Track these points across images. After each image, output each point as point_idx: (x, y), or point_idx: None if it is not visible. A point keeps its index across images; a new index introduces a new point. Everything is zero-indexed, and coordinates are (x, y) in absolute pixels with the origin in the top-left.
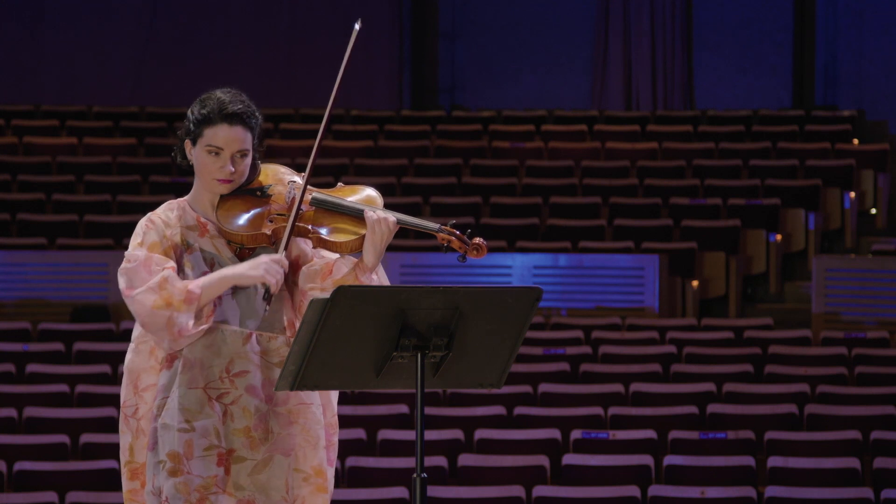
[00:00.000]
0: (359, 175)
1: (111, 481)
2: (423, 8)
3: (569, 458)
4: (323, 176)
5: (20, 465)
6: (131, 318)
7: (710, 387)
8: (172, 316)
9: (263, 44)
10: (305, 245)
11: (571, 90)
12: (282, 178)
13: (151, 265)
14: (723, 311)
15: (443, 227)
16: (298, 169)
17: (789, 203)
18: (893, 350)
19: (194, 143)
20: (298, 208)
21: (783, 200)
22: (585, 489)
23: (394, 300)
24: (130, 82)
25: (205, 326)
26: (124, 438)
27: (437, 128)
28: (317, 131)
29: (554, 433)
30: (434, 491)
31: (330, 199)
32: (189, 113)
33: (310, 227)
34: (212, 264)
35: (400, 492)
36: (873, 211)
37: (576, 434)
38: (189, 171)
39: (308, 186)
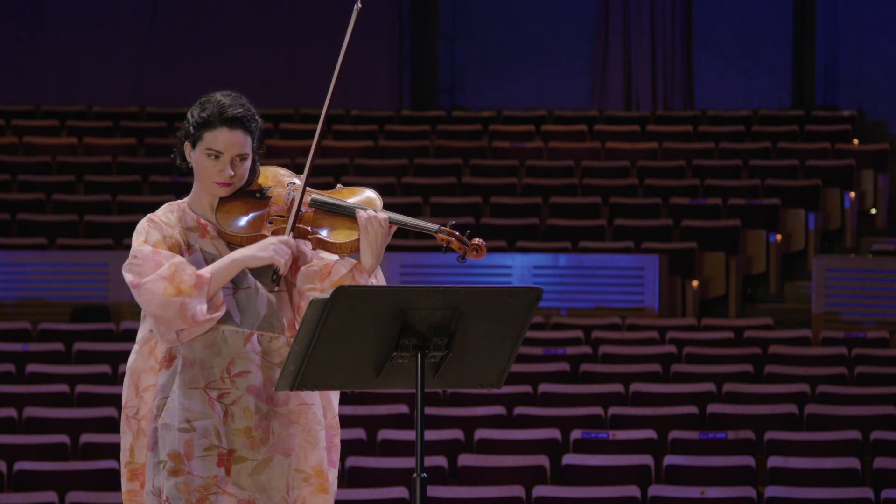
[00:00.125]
0: (359, 175)
1: (111, 481)
2: (423, 8)
3: (569, 458)
4: (323, 176)
5: (20, 465)
6: (131, 318)
7: (710, 387)
8: (185, 302)
9: (263, 44)
10: (305, 246)
11: (571, 90)
12: (281, 180)
13: (159, 258)
14: (723, 311)
15: (442, 227)
16: (298, 169)
17: (789, 203)
18: (893, 350)
19: (194, 146)
20: (298, 210)
21: (783, 200)
22: (585, 489)
23: (394, 300)
24: (130, 82)
25: (218, 314)
26: (125, 439)
27: (437, 128)
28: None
29: (554, 433)
30: (434, 491)
31: (329, 200)
32: (189, 115)
33: (309, 228)
34: None
35: (400, 492)
36: (873, 211)
37: (576, 434)
38: (189, 172)
39: (307, 188)
